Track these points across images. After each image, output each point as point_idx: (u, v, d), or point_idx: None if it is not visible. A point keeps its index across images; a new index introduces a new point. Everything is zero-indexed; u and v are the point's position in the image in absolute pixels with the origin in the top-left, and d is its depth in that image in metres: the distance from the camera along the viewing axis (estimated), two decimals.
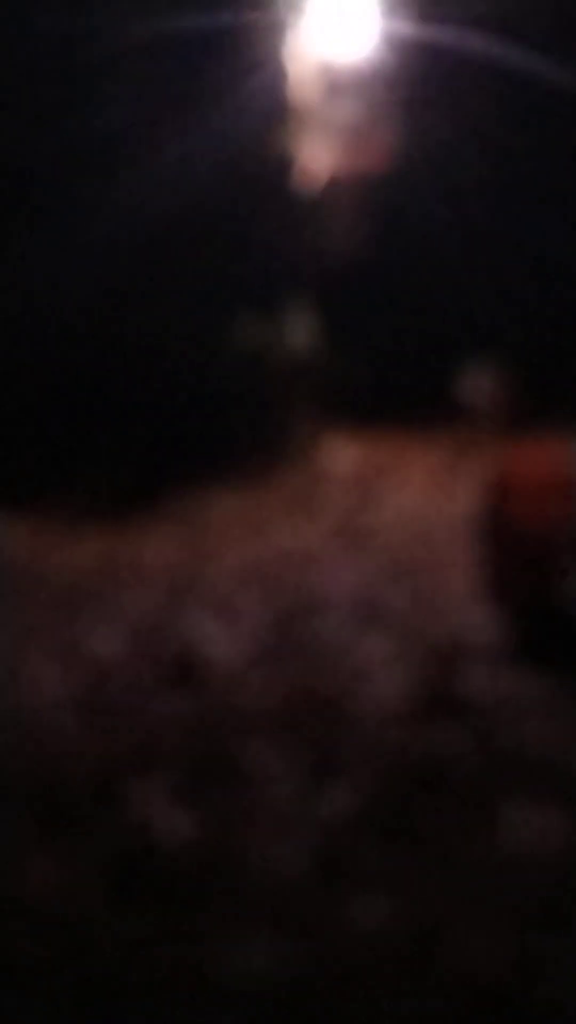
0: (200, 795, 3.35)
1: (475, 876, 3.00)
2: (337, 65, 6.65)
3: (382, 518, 5.47)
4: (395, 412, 6.83)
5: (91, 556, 5.13)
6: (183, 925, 2.83)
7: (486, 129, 7.43)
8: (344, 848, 3.11)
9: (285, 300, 6.42)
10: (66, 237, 5.90)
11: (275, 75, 6.30)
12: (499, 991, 2.64)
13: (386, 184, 6.81)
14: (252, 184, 6.26)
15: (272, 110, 6.29)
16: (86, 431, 5.79)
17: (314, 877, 3.01)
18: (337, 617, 4.41)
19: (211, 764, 3.48)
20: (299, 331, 6.39)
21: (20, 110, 5.76)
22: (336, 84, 6.74)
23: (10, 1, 5.62)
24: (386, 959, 2.74)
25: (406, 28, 6.48)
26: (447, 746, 3.55)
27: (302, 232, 6.67)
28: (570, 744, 3.54)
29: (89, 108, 5.80)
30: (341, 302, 6.76)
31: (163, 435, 5.86)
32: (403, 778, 3.39)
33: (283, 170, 6.46)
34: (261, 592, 4.68)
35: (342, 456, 6.30)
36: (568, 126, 7.29)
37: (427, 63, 6.72)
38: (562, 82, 6.65)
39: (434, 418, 6.87)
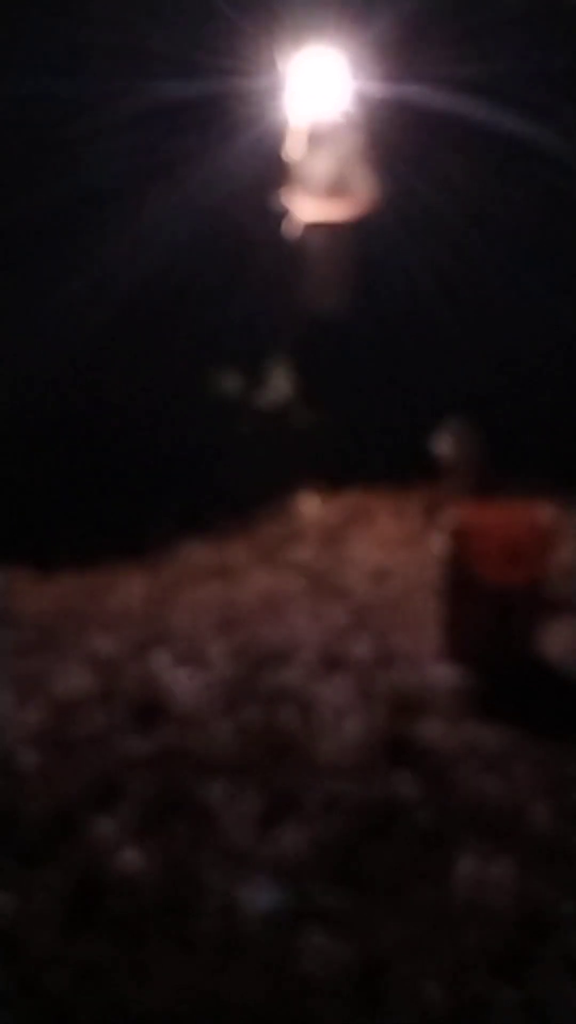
0: (159, 832, 3.40)
1: (427, 921, 3.05)
2: (318, 124, 6.82)
3: (351, 571, 5.53)
4: (369, 467, 6.93)
5: (63, 600, 5.17)
6: (138, 956, 2.88)
7: (460, 183, 7.58)
8: (297, 887, 3.16)
9: (266, 356, 6.51)
10: (57, 293, 6.01)
11: (259, 135, 6.45)
12: None
13: (366, 238, 6.94)
14: (235, 240, 6.37)
15: (256, 169, 6.42)
16: (61, 478, 5.86)
17: (267, 914, 3.06)
18: (302, 665, 4.47)
19: (171, 803, 3.53)
20: (278, 386, 6.47)
21: (11, 173, 5.89)
22: (317, 141, 6.89)
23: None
24: (336, 997, 2.79)
25: (379, 88, 6.68)
26: (403, 793, 3.61)
27: (285, 287, 6.77)
28: (524, 796, 3.60)
29: (80, 169, 5.92)
30: (320, 358, 6.87)
31: (139, 484, 5.93)
32: (359, 822, 3.44)
33: (266, 226, 6.58)
34: (228, 639, 4.73)
35: (315, 510, 6.37)
36: (539, 180, 7.45)
37: (401, 119, 6.90)
38: (532, 138, 6.85)
39: (407, 475, 6.97)
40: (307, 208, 6.82)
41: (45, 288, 6.03)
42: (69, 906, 3.07)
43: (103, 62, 5.73)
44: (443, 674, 4.41)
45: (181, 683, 4.34)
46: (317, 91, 6.71)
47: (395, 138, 6.94)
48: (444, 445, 6.77)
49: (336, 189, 6.89)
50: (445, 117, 6.83)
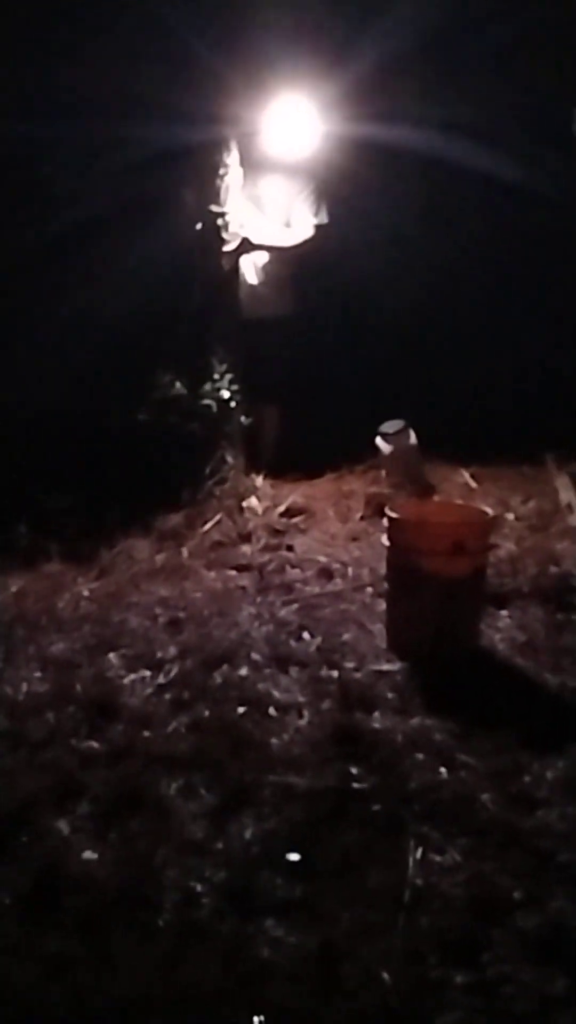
0: (116, 828, 3.45)
1: (381, 907, 3.11)
2: (284, 160, 6.92)
3: (297, 568, 5.60)
4: (313, 464, 7.01)
5: (13, 603, 5.19)
6: (100, 948, 2.92)
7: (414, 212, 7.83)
8: (252, 877, 3.22)
9: (214, 358, 6.56)
10: (28, 318, 6.10)
11: (225, 176, 6.56)
12: (397, 1018, 2.77)
13: (319, 257, 7.10)
14: (196, 267, 6.47)
15: (219, 207, 6.54)
16: (8, 480, 5.87)
17: (224, 904, 3.11)
18: (252, 662, 4.53)
19: (128, 799, 3.57)
20: (225, 386, 6.52)
21: None
22: (282, 175, 7.00)
23: None
24: (294, 982, 2.85)
25: (349, 129, 6.82)
26: (355, 784, 3.66)
27: (234, 301, 6.88)
28: (472, 784, 3.67)
29: (59, 210, 5.99)
30: (265, 359, 6.95)
31: (86, 485, 5.96)
32: (312, 813, 3.50)
33: (224, 253, 6.68)
34: (179, 638, 4.78)
35: (260, 507, 6.43)
36: (513, 215, 7.69)
37: (364, 157, 7.09)
38: (507, 176, 7.08)
39: (350, 471, 7.06)
40: (262, 235, 6.93)
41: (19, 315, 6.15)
42: (30, 901, 3.11)
43: (84, 107, 5.80)
44: (389, 667, 4.49)
45: (134, 682, 4.39)
46: (287, 131, 6.81)
47: (362, 175, 7.14)
48: (387, 441, 6.86)
49: (290, 219, 7.04)
50: (417, 157, 7.05)
